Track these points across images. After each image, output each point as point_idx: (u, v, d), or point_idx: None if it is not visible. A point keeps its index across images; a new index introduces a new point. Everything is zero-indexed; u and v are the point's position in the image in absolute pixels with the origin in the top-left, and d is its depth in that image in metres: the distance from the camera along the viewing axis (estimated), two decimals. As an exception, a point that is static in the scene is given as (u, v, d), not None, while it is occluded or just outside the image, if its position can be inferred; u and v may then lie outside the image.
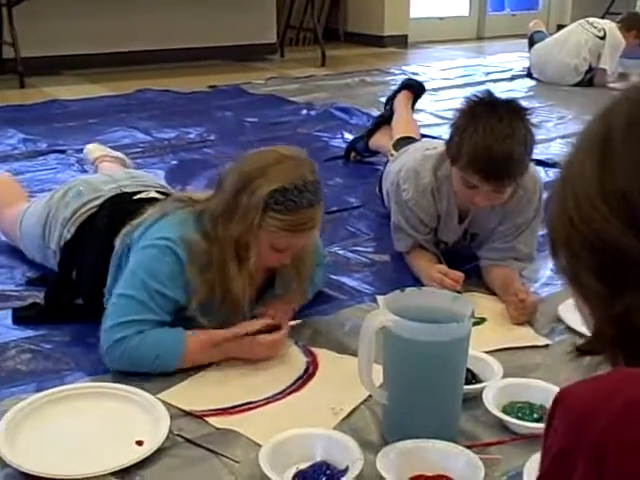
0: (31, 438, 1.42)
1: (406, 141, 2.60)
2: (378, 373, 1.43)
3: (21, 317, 1.90)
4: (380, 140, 2.98)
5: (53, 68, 4.88)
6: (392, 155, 2.54)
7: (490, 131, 1.83)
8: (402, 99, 3.05)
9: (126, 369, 1.62)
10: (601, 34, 4.88)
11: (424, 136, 2.92)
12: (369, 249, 2.35)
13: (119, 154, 2.82)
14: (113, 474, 1.33)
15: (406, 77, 3.25)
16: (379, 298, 1.90)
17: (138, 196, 1.94)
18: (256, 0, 5.56)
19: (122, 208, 1.87)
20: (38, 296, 1.98)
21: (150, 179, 2.18)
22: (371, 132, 3.08)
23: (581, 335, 1.63)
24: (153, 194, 1.95)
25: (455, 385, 1.41)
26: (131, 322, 1.62)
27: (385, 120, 3.03)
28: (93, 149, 2.79)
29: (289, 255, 1.71)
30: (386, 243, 2.29)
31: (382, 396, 1.43)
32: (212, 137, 3.52)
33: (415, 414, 1.41)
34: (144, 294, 1.62)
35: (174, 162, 3.12)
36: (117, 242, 1.75)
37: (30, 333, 1.83)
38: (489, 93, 1.98)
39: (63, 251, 1.94)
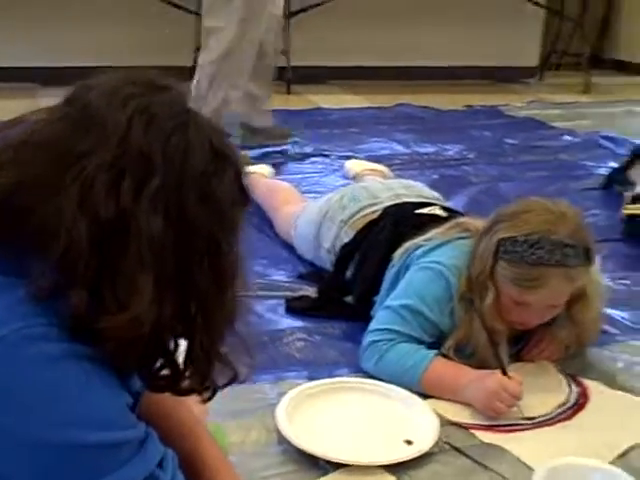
0: (306, 421, 1.49)
1: None
2: None
3: (293, 307, 2.00)
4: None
5: (318, 77, 5.11)
6: None
7: None
8: None
9: (375, 373, 1.64)
10: None
11: None
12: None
13: (379, 166, 2.88)
14: (384, 467, 1.36)
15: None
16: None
17: (421, 210, 1.96)
18: (521, 23, 5.49)
19: (405, 221, 1.91)
20: (308, 290, 2.08)
21: (424, 190, 2.20)
22: (629, 164, 2.93)
23: None
24: (437, 211, 1.95)
25: None
26: (389, 330, 1.65)
27: None
28: (354, 165, 2.88)
29: (534, 317, 1.62)
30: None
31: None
32: (471, 155, 3.52)
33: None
34: (407, 312, 1.65)
35: (435, 176, 3.15)
36: (396, 256, 1.79)
37: (301, 323, 1.93)
38: None
39: (341, 252, 2.02)
